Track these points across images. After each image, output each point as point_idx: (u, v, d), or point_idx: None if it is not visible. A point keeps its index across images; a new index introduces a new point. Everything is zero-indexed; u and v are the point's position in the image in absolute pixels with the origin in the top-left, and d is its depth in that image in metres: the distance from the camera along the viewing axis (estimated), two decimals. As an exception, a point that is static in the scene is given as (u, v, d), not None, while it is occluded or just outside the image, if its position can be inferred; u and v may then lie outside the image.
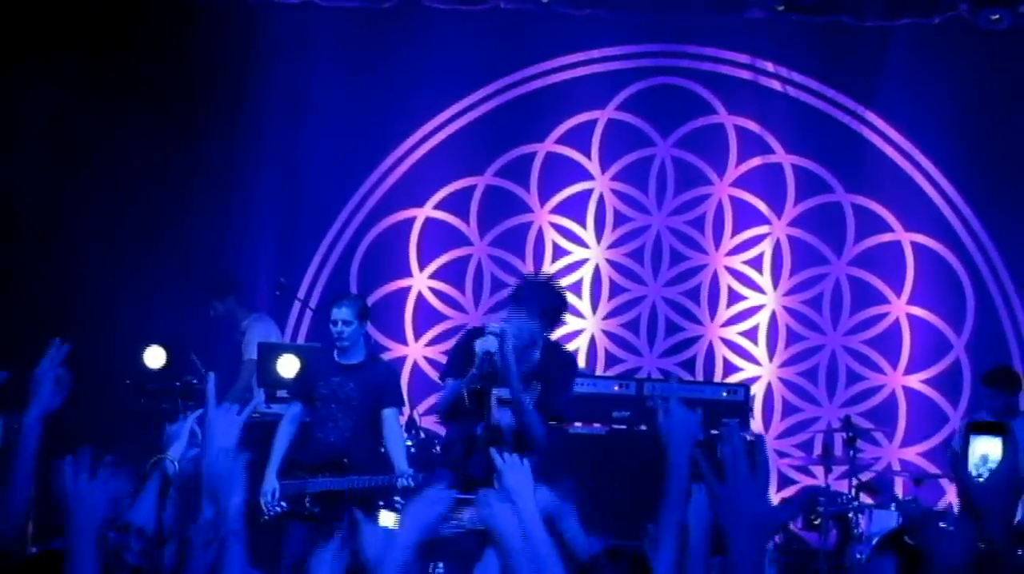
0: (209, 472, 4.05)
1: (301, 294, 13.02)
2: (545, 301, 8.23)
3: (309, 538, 9.26)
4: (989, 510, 3.47)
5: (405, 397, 10.46)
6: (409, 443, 10.99)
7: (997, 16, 12.42)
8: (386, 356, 12.86)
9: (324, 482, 9.51)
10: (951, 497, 11.95)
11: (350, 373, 9.66)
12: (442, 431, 12.77)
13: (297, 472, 9.61)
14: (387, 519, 9.68)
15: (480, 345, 8.16)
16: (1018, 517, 10.05)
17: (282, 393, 10.85)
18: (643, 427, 11.46)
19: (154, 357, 11.67)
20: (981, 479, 3.64)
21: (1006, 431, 3.52)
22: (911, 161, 13.06)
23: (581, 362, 13.13)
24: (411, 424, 11.69)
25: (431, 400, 13.05)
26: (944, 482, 12.18)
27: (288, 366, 11.00)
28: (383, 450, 9.71)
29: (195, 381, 11.33)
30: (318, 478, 9.54)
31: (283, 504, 9.51)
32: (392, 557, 3.91)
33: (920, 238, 13.09)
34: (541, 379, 8.18)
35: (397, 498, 9.73)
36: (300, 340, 12.89)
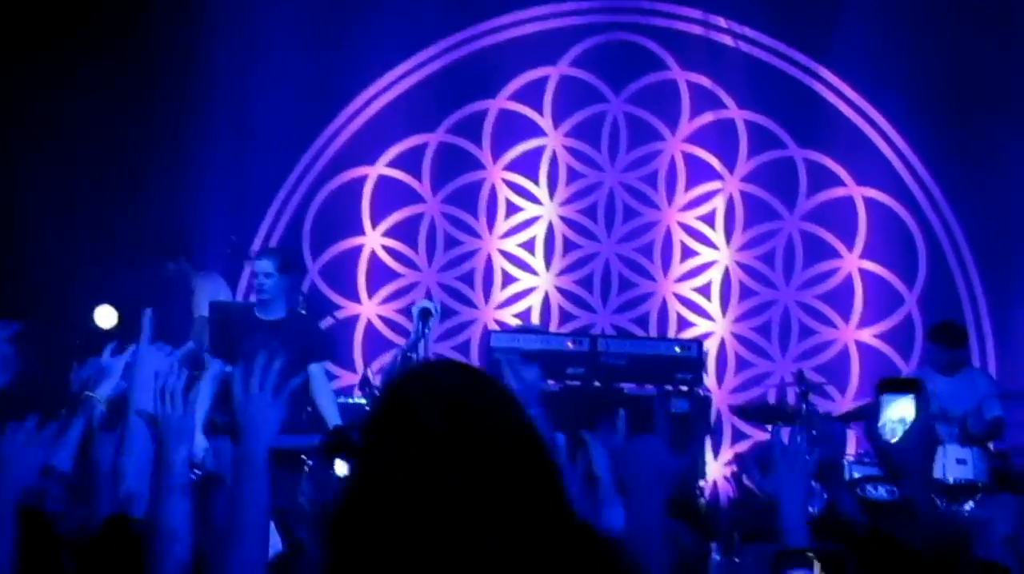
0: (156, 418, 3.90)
1: (253, 253, 12.94)
2: None
3: None
4: (906, 470, 3.49)
5: (356, 354, 10.41)
6: (364, 401, 11.00)
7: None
8: (340, 314, 12.88)
9: None
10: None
11: (273, 329, 9.47)
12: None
13: (222, 433, 9.50)
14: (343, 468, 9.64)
15: (418, 305, 8.26)
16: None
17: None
18: (597, 383, 11.49)
19: (105, 316, 11.60)
20: (895, 439, 3.65)
21: (918, 388, 3.52)
22: (863, 116, 13.08)
23: (535, 319, 13.16)
24: (365, 382, 11.67)
25: (386, 358, 13.08)
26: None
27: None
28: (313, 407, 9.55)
29: (147, 341, 11.24)
30: None
31: (207, 466, 9.42)
32: None
33: (872, 193, 13.13)
34: None
35: None
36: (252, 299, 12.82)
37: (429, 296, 12.78)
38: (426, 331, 9.46)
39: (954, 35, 12.76)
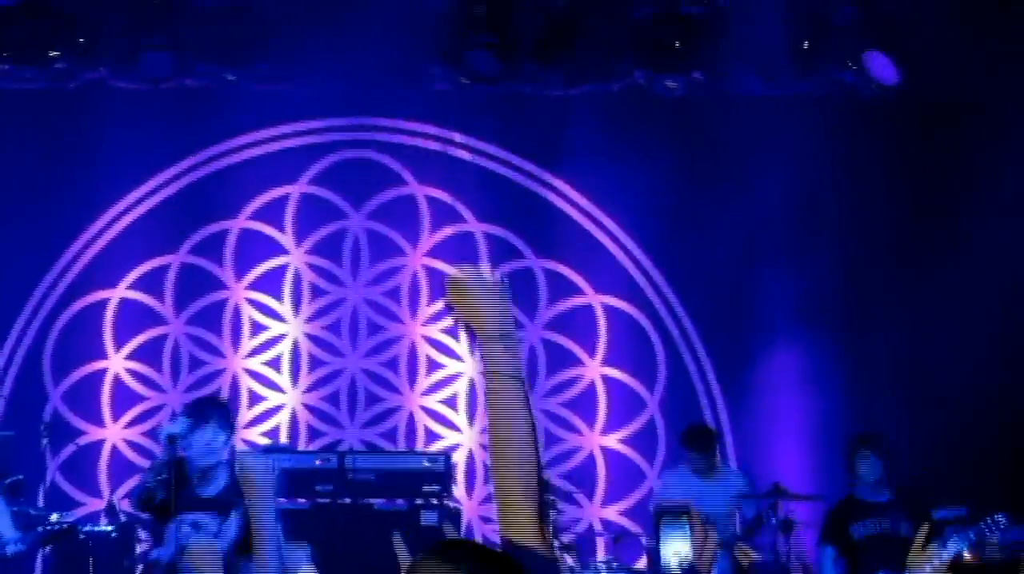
0: None
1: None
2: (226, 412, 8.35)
3: None
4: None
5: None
6: (110, 529, 10.87)
7: (672, 84, 12.82)
8: (83, 440, 12.72)
9: None
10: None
11: None
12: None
13: None
14: None
15: (165, 428, 8.20)
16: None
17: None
18: (347, 500, 11.53)
19: None
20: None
21: (689, 513, 3.67)
22: (597, 224, 13.40)
23: (283, 437, 13.12)
24: (111, 509, 11.53)
25: (131, 483, 12.90)
26: (644, 540, 12.33)
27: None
28: None
29: None
30: None
31: None
32: None
33: (610, 300, 13.43)
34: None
35: None
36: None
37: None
38: (175, 455, 9.36)
39: (676, 143, 13.18)
